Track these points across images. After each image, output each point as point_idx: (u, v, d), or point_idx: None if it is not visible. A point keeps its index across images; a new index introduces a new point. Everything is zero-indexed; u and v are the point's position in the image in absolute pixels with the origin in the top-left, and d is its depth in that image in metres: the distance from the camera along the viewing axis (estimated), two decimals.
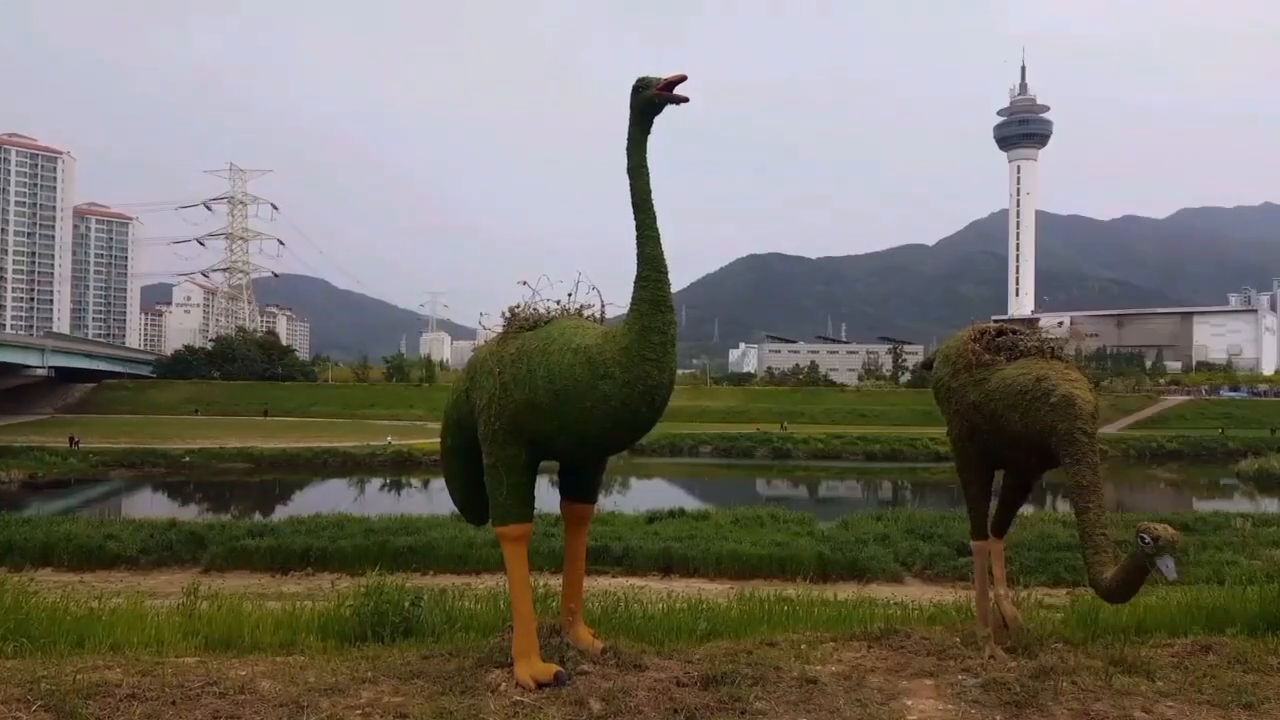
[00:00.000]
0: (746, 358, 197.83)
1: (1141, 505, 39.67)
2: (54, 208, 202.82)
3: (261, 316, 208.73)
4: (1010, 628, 5.89)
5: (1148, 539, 4.20)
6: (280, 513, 31.31)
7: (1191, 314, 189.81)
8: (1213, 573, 14.57)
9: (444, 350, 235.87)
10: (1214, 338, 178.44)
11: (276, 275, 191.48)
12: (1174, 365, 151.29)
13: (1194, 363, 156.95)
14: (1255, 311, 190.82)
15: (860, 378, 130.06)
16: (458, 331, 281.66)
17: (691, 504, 31.14)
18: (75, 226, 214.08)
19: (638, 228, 4.70)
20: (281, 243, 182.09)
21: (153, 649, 5.58)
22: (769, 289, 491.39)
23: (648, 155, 4.80)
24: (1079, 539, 4.88)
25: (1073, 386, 5.12)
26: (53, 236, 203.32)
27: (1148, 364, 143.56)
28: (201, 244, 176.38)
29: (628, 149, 4.77)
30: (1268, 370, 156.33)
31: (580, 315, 5.31)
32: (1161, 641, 5.95)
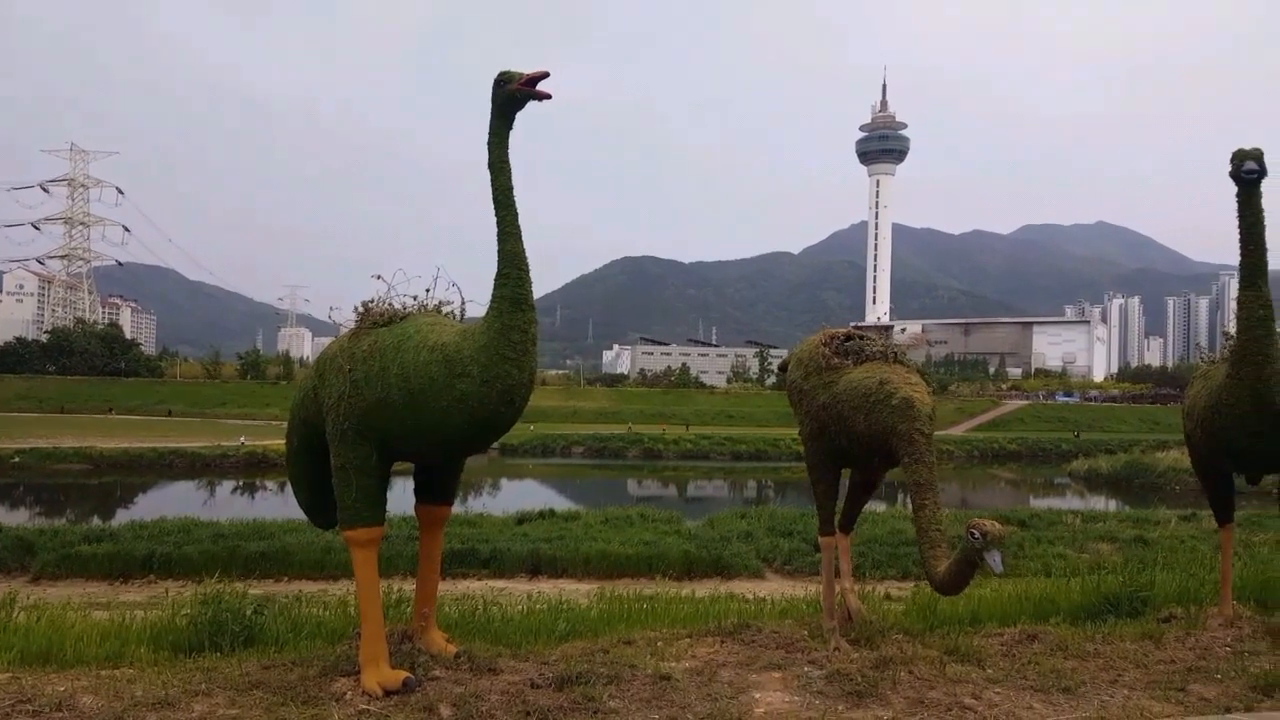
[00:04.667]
0: (620, 359, 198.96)
1: (983, 503, 42.14)
2: None
3: (103, 308, 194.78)
4: (855, 620, 6.15)
5: (976, 534, 4.45)
6: (121, 517, 29.19)
7: (1031, 324, 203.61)
8: (1042, 566, 15.63)
9: (304, 347, 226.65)
10: (1051, 346, 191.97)
11: (121, 264, 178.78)
12: (1015, 371, 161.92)
13: (1033, 369, 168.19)
14: (1088, 323, 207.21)
15: (729, 380, 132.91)
16: (320, 328, 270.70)
17: (562, 504, 30.92)
18: None
19: (499, 224, 4.65)
20: (127, 229, 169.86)
21: None
22: (643, 291, 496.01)
23: (509, 151, 4.74)
24: (916, 534, 5.14)
25: (912, 390, 5.40)
26: None
27: (991, 370, 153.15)
28: (37, 228, 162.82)
29: (489, 144, 4.70)
30: (1098, 377, 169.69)
31: (438, 312, 5.20)
32: (993, 631, 6.34)
